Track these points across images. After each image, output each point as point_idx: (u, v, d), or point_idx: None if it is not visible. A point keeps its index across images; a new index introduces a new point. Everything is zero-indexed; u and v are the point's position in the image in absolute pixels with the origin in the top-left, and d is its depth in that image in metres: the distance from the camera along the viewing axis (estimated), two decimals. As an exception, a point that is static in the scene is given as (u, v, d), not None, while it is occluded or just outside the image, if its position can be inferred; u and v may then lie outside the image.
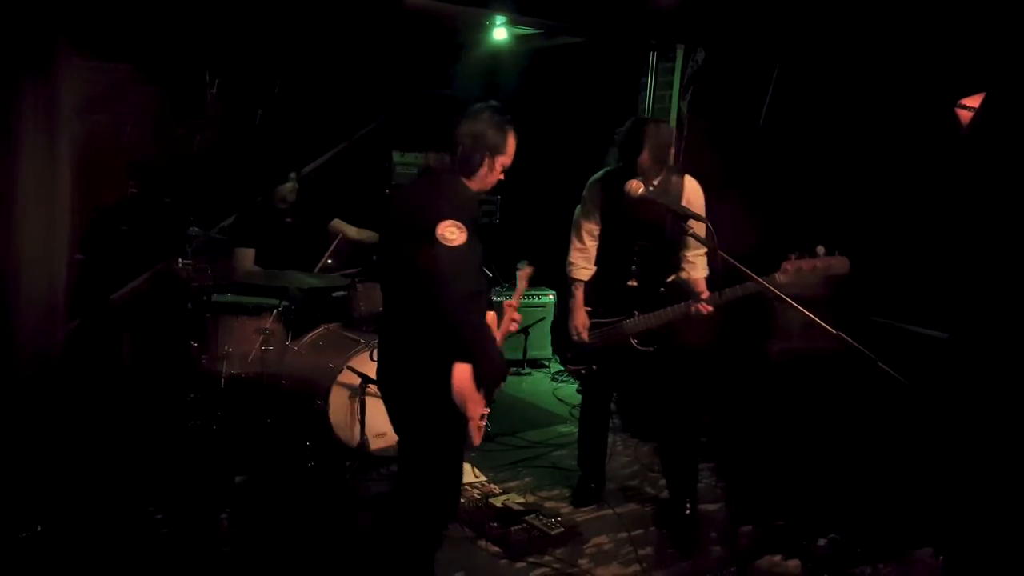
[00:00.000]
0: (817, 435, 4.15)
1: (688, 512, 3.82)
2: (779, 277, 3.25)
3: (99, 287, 4.51)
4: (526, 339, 6.32)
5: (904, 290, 3.30)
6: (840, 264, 3.24)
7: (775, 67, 5.01)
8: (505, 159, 2.79)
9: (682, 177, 3.70)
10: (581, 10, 5.11)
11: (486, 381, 2.69)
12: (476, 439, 2.76)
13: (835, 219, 4.47)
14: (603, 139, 6.44)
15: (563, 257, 3.89)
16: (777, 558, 3.56)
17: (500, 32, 5.82)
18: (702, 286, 3.64)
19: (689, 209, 3.39)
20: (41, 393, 3.42)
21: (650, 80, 5.91)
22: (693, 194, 3.70)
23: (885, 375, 2.67)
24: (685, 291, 3.66)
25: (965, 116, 4.08)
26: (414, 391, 2.72)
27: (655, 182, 3.63)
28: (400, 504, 2.86)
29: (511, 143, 2.79)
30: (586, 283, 3.84)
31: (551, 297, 6.43)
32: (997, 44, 3.91)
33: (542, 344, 6.44)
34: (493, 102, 2.81)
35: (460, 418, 2.66)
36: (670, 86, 5.82)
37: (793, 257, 3.25)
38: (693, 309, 3.48)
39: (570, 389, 5.96)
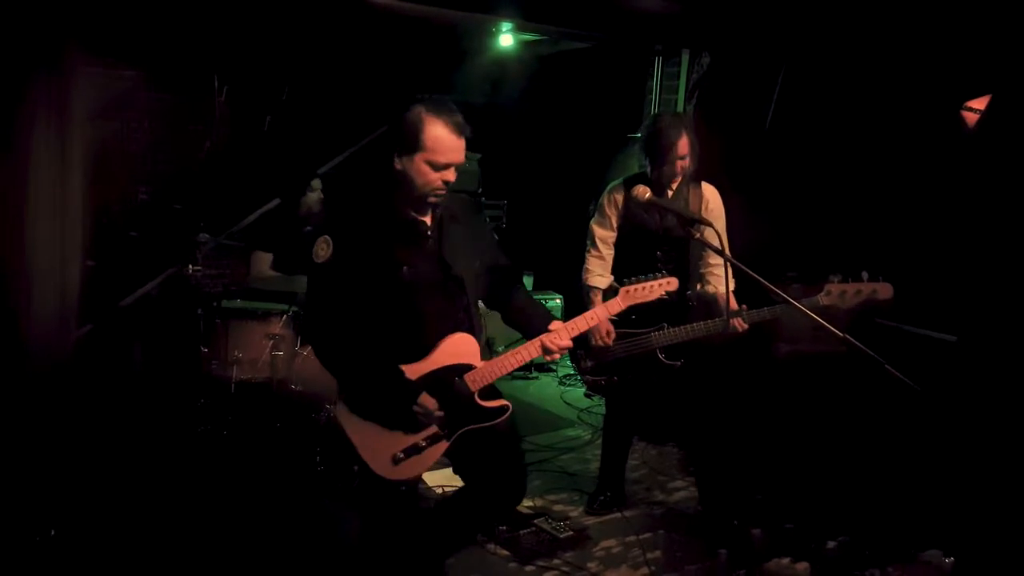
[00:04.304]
0: (825, 438, 4.15)
1: (736, 524, 3.80)
2: (822, 299, 3.22)
3: (109, 293, 4.53)
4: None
5: (910, 292, 3.30)
6: (884, 290, 3.21)
7: (780, 71, 5.02)
8: (428, 155, 2.56)
9: (700, 185, 3.65)
10: (587, 16, 5.13)
11: (357, 406, 2.79)
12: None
13: (841, 222, 4.48)
14: (609, 143, 6.46)
15: (570, 261, 3.88)
16: (786, 560, 3.56)
17: (506, 38, 5.85)
18: (733, 300, 3.48)
19: (696, 215, 3.34)
20: (53, 398, 3.44)
21: (656, 84, 5.94)
22: (713, 202, 3.64)
23: (892, 378, 2.68)
24: (713, 304, 3.58)
25: (971, 118, 4.08)
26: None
27: (672, 186, 3.59)
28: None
29: (431, 135, 2.56)
30: (604, 291, 3.76)
31: (558, 301, 6.42)
32: (1003, 46, 3.92)
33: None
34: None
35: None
36: (676, 90, 5.85)
37: (836, 279, 3.21)
38: (729, 327, 3.38)
39: (577, 393, 5.97)
